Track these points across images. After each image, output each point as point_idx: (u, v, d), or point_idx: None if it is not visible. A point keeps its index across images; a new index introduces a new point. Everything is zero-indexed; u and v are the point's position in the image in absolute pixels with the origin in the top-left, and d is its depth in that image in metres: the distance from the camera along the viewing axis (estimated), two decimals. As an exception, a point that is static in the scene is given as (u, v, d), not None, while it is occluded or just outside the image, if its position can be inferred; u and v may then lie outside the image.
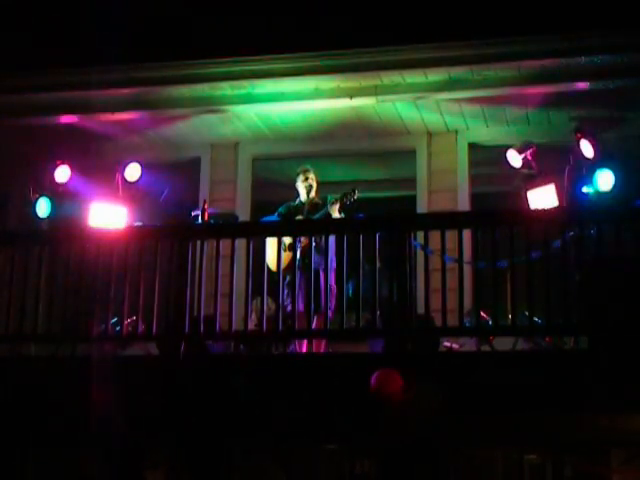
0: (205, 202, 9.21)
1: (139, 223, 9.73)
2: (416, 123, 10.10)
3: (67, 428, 7.73)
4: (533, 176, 9.33)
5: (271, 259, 8.45)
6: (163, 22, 9.75)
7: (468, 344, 8.48)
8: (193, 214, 9.20)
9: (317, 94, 9.47)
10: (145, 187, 10.17)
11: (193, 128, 10.42)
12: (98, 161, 10.44)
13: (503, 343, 8.19)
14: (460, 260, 7.37)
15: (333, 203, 8.76)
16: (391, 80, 9.24)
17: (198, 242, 7.89)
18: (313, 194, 9.22)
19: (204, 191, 10.62)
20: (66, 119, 10.05)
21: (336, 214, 8.74)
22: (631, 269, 7.12)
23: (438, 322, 7.39)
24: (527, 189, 9.31)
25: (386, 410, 6.65)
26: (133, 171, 10.02)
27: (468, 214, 9.18)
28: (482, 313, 7.73)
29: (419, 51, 8.99)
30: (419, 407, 6.62)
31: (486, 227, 7.52)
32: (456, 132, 10.28)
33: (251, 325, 8.06)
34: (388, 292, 7.65)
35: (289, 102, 9.64)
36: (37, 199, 9.85)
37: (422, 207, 10.13)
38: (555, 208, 8.81)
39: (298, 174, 9.26)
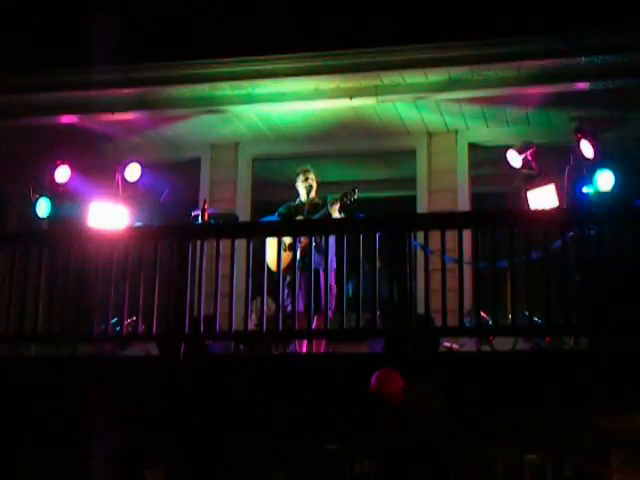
0: (205, 202, 9.20)
1: (139, 223, 9.73)
2: (416, 123, 10.10)
3: (67, 428, 7.73)
4: (533, 176, 9.34)
5: (271, 259, 8.45)
6: (163, 22, 9.75)
7: (468, 344, 8.48)
8: (193, 214, 9.20)
9: (317, 94, 9.47)
10: (145, 187, 10.17)
11: (193, 128, 10.42)
12: (98, 161, 10.44)
13: (503, 343, 8.19)
14: (460, 260, 7.37)
15: (333, 203, 8.75)
16: (391, 80, 9.24)
17: (198, 242, 7.90)
18: (313, 194, 9.21)
19: (204, 191, 10.62)
20: (66, 119, 10.05)
21: (336, 214, 8.73)
22: (631, 269, 7.13)
23: (438, 322, 7.40)
24: (527, 189, 9.32)
25: (386, 410, 6.65)
26: (133, 171, 10.02)
27: (468, 214, 9.18)
28: (482, 313, 7.73)
29: (419, 51, 8.99)
30: (419, 407, 6.62)
31: (486, 227, 7.52)
32: (456, 132, 10.28)
33: (251, 325, 8.06)
34: (388, 292, 7.65)
35: (289, 102, 9.64)
36: (37, 199, 9.85)
37: (422, 207, 10.13)
38: (555, 208, 8.82)
39: (298, 174, 9.26)
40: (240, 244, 7.88)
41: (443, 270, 7.34)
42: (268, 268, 8.23)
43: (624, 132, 9.53)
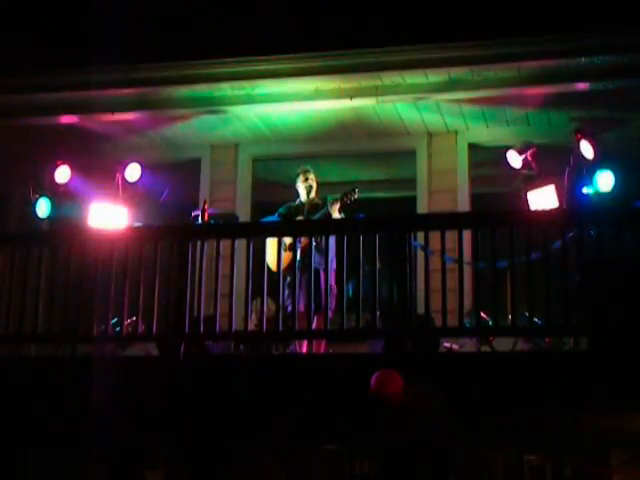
0: (205, 202, 9.20)
1: (139, 223, 9.72)
2: (416, 124, 10.10)
3: (67, 428, 7.72)
4: (533, 177, 9.34)
5: (271, 259, 8.45)
6: (163, 22, 9.74)
7: (468, 345, 8.48)
8: (193, 214, 9.20)
9: (317, 95, 9.47)
10: (145, 187, 10.17)
11: (193, 128, 10.42)
12: (98, 161, 10.44)
13: (503, 344, 8.19)
14: (460, 260, 7.37)
15: (333, 203, 8.74)
16: (391, 81, 9.24)
17: (198, 242, 7.90)
18: (313, 194, 9.21)
19: (204, 191, 10.62)
20: (66, 119, 10.06)
21: (336, 214, 8.73)
22: (631, 269, 7.13)
23: (438, 322, 7.40)
24: (527, 190, 9.32)
25: (386, 410, 6.64)
26: (133, 171, 10.02)
27: (468, 215, 9.19)
28: (482, 313, 7.73)
29: (419, 52, 8.99)
30: (419, 407, 6.62)
31: (486, 228, 7.52)
32: (456, 133, 10.28)
33: (251, 325, 8.06)
34: (388, 292, 7.65)
35: (289, 103, 9.64)
36: (37, 199, 9.85)
37: (422, 208, 10.13)
38: (555, 209, 8.82)
39: (298, 175, 9.26)
40: (240, 244, 7.89)
41: (443, 270, 7.35)
42: (268, 268, 8.23)
43: (624, 132, 9.53)
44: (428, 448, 6.55)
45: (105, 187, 10.00)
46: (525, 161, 9.36)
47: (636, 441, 7.70)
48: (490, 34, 8.77)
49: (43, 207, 9.83)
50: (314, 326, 7.96)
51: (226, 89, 9.56)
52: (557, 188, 9.07)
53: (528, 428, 7.53)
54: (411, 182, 10.38)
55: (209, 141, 10.74)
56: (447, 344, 8.46)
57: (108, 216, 9.86)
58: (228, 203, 10.55)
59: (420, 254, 7.82)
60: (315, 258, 8.26)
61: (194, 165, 10.85)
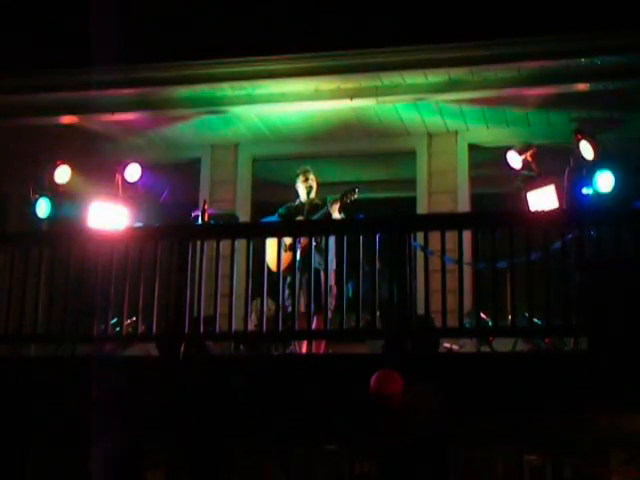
0: (205, 203, 9.20)
1: (139, 223, 9.72)
2: (416, 124, 10.11)
3: (67, 428, 7.72)
4: (533, 177, 9.34)
5: (271, 259, 8.45)
6: (163, 22, 9.75)
7: (468, 345, 8.48)
8: (193, 215, 9.20)
9: (317, 95, 9.47)
10: (145, 187, 10.18)
11: (193, 129, 10.42)
12: (98, 161, 10.44)
13: (503, 344, 8.19)
14: (460, 261, 7.37)
15: (333, 202, 8.74)
16: (391, 81, 9.24)
17: (198, 242, 7.90)
18: (313, 195, 9.21)
19: (204, 192, 10.62)
20: (66, 119, 10.06)
21: (336, 213, 8.73)
22: (631, 270, 7.13)
23: (438, 323, 7.40)
24: (527, 190, 9.32)
25: (386, 411, 6.65)
26: (133, 171, 10.02)
27: (468, 215, 9.20)
28: (482, 314, 7.73)
29: (419, 52, 8.99)
30: (419, 408, 6.62)
31: (486, 228, 7.53)
32: (456, 133, 10.28)
33: (251, 326, 8.06)
34: (388, 293, 7.65)
35: (289, 103, 9.64)
36: (37, 199, 9.84)
37: (422, 208, 10.13)
38: (555, 209, 8.82)
39: (298, 175, 9.26)
40: (240, 245, 7.89)
41: (443, 271, 7.35)
42: (268, 268, 8.23)
43: (624, 133, 9.54)
44: (428, 448, 6.56)
45: (105, 187, 10.00)
46: (525, 161, 9.37)
47: (636, 441, 7.70)
48: (490, 34, 8.77)
49: (43, 207, 9.83)
50: (314, 326, 7.96)
51: (226, 89, 9.56)
52: (557, 188, 9.07)
53: (528, 428, 7.53)
54: (411, 182, 10.38)
55: (209, 141, 10.75)
56: (447, 344, 8.45)
57: (108, 216, 9.86)
58: (228, 203, 10.55)
59: (420, 254, 7.81)
60: (315, 258, 8.26)
61: (194, 165, 10.85)
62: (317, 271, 8.30)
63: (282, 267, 8.13)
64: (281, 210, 9.24)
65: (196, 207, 9.54)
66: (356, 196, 8.71)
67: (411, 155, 10.42)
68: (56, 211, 9.83)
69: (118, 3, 9.24)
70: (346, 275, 7.60)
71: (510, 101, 9.46)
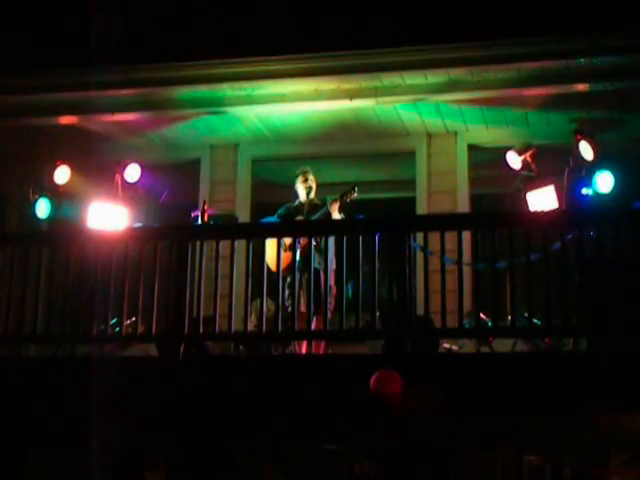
0: (205, 203, 9.21)
1: (139, 224, 9.72)
2: (416, 124, 10.11)
3: (67, 428, 7.72)
4: (532, 177, 9.34)
5: (271, 259, 8.44)
6: (163, 22, 9.75)
7: (467, 345, 8.48)
8: (193, 215, 9.20)
9: (317, 95, 9.47)
10: (145, 188, 10.18)
11: (193, 129, 10.42)
12: (98, 161, 10.43)
13: (502, 344, 8.19)
14: (460, 261, 7.37)
15: (333, 202, 8.75)
16: (391, 81, 9.24)
17: (198, 243, 7.90)
18: (312, 195, 9.21)
19: (204, 192, 10.63)
20: (66, 119, 10.06)
21: (336, 213, 8.73)
22: (631, 270, 7.13)
23: (437, 323, 7.40)
24: (526, 190, 9.32)
25: (386, 411, 6.65)
26: (133, 172, 10.02)
27: (468, 215, 9.21)
28: (481, 314, 7.73)
29: (419, 52, 8.99)
30: (419, 408, 6.62)
31: (486, 228, 7.53)
32: (455, 133, 10.28)
33: (250, 326, 8.06)
34: (388, 293, 7.66)
35: (289, 103, 9.64)
36: (37, 200, 9.84)
37: (422, 208, 10.14)
38: (554, 210, 8.82)
39: (297, 175, 9.26)
40: (240, 245, 7.89)
41: (442, 271, 7.35)
42: (268, 268, 8.23)
43: (624, 133, 9.54)
44: (428, 448, 6.56)
45: (105, 187, 10.00)
46: (525, 162, 9.37)
47: (636, 441, 7.70)
48: (490, 35, 8.77)
49: (43, 207, 9.83)
50: (313, 326, 7.96)
51: (226, 90, 9.56)
52: (556, 189, 9.08)
53: (528, 428, 7.54)
54: (411, 183, 10.38)
55: (209, 142, 10.75)
56: (446, 345, 8.46)
57: (108, 217, 9.86)
58: (228, 204, 10.55)
59: (420, 255, 7.81)
60: (315, 258, 8.26)
61: (194, 166, 10.85)
62: (317, 271, 8.31)
63: (282, 267, 8.13)
64: (280, 210, 9.24)
65: (196, 207, 9.55)
66: (355, 195, 8.72)
67: (411, 155, 10.42)
68: (56, 211, 9.83)
69: (118, 3, 9.24)
70: (346, 275, 7.60)
71: (510, 101, 9.46)
